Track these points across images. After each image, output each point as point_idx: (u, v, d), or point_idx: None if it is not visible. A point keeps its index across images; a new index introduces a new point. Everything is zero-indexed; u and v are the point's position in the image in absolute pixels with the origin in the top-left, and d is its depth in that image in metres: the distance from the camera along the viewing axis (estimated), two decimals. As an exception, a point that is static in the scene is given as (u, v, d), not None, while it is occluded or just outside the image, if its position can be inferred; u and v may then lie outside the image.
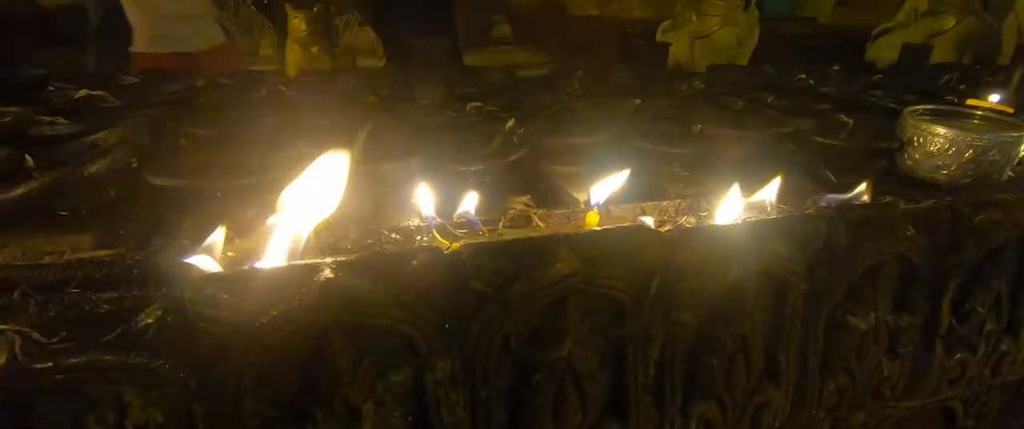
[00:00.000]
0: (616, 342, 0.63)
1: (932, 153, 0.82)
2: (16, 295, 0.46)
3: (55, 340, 0.43)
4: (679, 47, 2.91)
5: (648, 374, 0.65)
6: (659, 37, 2.98)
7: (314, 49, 2.91)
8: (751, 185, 0.70)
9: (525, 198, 0.74)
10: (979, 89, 1.24)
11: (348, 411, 0.54)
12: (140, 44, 2.05)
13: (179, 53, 2.08)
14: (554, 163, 0.85)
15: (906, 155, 0.86)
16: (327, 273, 0.49)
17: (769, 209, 0.69)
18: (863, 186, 0.74)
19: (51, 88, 0.97)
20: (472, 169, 0.74)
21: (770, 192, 0.68)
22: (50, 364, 0.43)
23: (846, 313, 0.74)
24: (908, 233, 0.72)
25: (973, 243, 0.76)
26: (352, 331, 0.52)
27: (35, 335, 0.43)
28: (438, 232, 0.62)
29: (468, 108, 0.97)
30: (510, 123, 0.83)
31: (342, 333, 0.52)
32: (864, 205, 0.71)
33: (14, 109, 0.80)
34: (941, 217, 0.74)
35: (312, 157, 0.56)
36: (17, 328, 0.43)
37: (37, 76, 1.01)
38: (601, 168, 0.70)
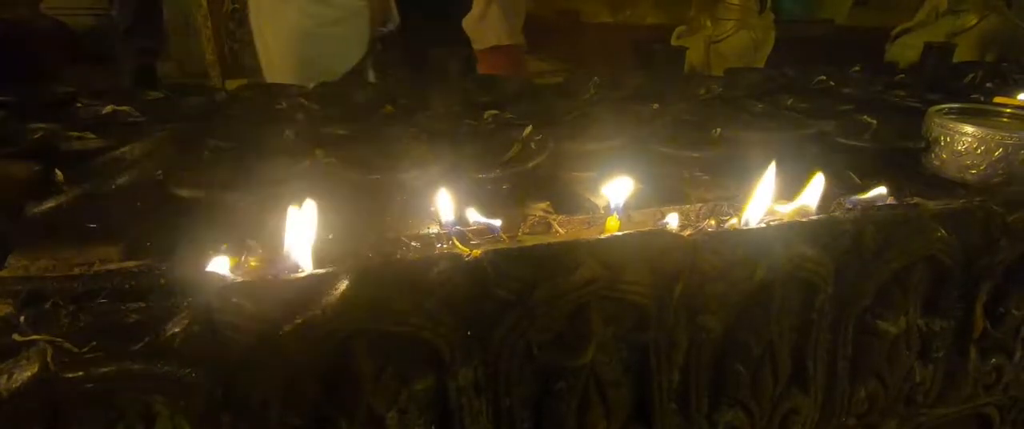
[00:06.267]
0: (640, 348, 0.62)
1: (960, 152, 0.80)
2: (48, 306, 0.47)
3: (85, 350, 0.44)
4: (694, 52, 2.89)
5: (673, 381, 0.64)
6: (674, 42, 2.96)
7: (331, 62, 2.95)
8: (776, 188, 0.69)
9: (544, 204, 0.74)
10: (1006, 87, 1.21)
11: (372, 419, 0.54)
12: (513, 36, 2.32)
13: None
14: (573, 169, 0.85)
15: (933, 155, 0.84)
16: (349, 281, 0.50)
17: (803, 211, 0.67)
18: (888, 189, 0.72)
19: (79, 104, 0.99)
20: (491, 176, 0.74)
21: (812, 196, 0.67)
22: (81, 373, 0.43)
23: (876, 317, 0.72)
24: (938, 234, 0.70)
25: (1007, 243, 0.74)
26: (375, 339, 0.52)
27: (66, 345, 0.44)
28: (458, 239, 0.62)
29: (485, 116, 0.97)
30: (528, 130, 0.83)
31: (365, 341, 0.52)
32: (892, 206, 0.70)
33: (44, 125, 0.82)
34: (972, 217, 0.72)
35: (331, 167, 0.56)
36: (49, 338, 0.44)
37: (65, 93, 1.04)
38: (620, 173, 0.70)
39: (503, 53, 2.37)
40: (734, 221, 0.65)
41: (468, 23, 2.37)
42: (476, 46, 2.40)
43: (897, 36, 3.01)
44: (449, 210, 0.63)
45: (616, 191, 0.66)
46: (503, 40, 2.35)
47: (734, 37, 2.94)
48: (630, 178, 0.67)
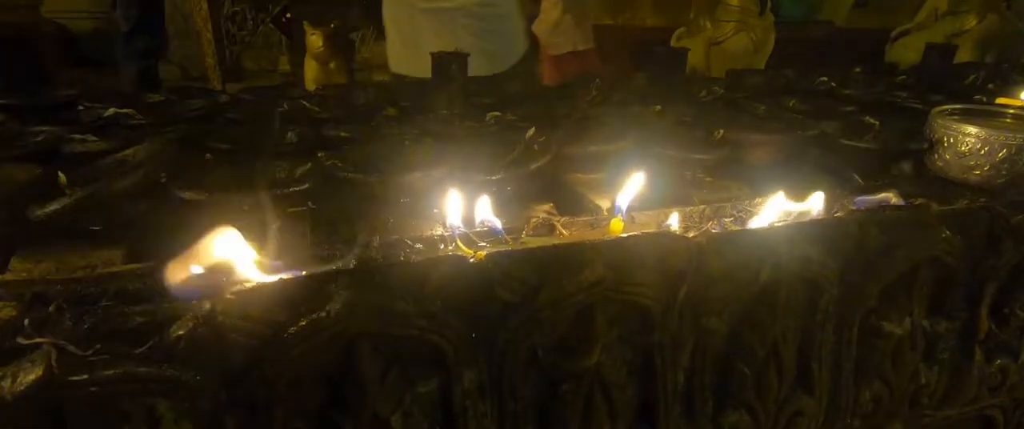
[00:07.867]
0: (645, 350, 0.62)
1: (964, 153, 0.80)
2: (52, 309, 0.47)
3: (90, 353, 0.44)
4: (694, 54, 2.89)
5: (678, 383, 0.64)
6: (674, 44, 2.97)
7: (332, 65, 2.96)
8: (776, 189, 0.69)
9: (547, 206, 0.74)
10: (1007, 87, 1.21)
11: (376, 422, 0.54)
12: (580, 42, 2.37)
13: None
14: (576, 171, 0.85)
15: (936, 156, 0.84)
16: (354, 284, 0.49)
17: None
18: (892, 190, 0.72)
19: (81, 107, 0.99)
20: (494, 178, 0.74)
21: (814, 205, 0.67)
22: (85, 376, 0.43)
23: (880, 318, 0.72)
24: (943, 235, 0.70)
25: (1011, 244, 0.74)
26: (379, 341, 0.52)
27: (70, 348, 0.44)
28: (462, 241, 0.61)
29: (487, 118, 0.97)
30: (530, 132, 0.83)
31: (369, 343, 0.52)
32: (896, 207, 0.70)
33: (47, 128, 0.82)
34: (977, 218, 0.72)
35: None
36: (53, 341, 0.44)
37: (67, 96, 1.04)
38: (623, 175, 0.69)
39: (580, 58, 2.41)
40: (738, 221, 0.65)
41: (540, 29, 2.35)
42: (551, 52, 2.40)
43: (897, 37, 3.01)
44: (452, 212, 0.63)
45: (627, 194, 0.65)
46: (579, 45, 2.38)
47: (734, 39, 2.94)
48: (640, 174, 0.66)
